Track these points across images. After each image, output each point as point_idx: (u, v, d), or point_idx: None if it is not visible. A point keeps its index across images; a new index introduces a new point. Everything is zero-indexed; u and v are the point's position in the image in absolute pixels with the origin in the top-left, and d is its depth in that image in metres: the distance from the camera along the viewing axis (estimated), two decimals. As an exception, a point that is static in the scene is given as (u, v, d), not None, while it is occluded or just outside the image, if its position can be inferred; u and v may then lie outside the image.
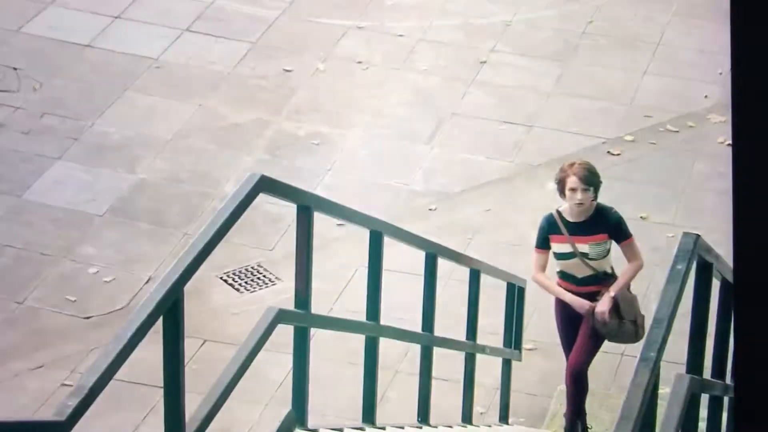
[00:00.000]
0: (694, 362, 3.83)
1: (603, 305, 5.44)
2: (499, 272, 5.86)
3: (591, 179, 5.42)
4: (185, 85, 8.16)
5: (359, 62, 8.48)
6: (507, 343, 6.03)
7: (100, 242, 6.91)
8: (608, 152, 7.85)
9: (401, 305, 6.58)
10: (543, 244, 5.52)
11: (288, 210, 7.08)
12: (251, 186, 3.74)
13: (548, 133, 8.03)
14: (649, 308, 6.65)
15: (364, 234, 5.10)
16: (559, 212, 5.52)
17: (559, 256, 5.52)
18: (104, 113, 7.85)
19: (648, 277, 6.93)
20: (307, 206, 4.14)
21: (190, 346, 6.05)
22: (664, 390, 3.90)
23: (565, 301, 5.53)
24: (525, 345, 6.34)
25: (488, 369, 6.26)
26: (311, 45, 8.58)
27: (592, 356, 5.59)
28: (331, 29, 8.74)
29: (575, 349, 5.55)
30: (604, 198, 7.58)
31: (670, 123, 8.12)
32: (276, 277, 6.81)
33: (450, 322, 6.40)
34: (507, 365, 6.00)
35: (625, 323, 5.49)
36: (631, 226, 7.43)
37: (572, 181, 5.40)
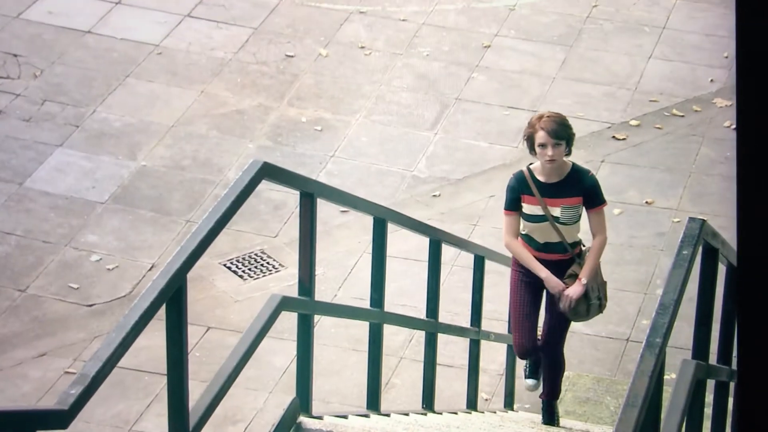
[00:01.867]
0: (700, 347, 3.81)
1: (573, 294, 4.99)
2: (504, 258, 5.82)
3: (562, 132, 4.90)
4: (187, 72, 8.12)
5: (362, 47, 8.44)
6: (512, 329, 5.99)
7: (102, 230, 6.88)
8: (613, 137, 7.82)
9: (405, 292, 6.56)
10: (513, 205, 5.02)
11: (291, 197, 7.05)
12: (254, 173, 3.71)
13: (552, 118, 7.98)
14: (654, 293, 6.63)
15: (368, 221, 5.07)
16: (530, 170, 5.02)
17: (528, 218, 5.03)
18: (105, 100, 7.81)
19: (653, 263, 6.90)
20: (310, 193, 4.11)
21: (193, 333, 6.05)
22: (669, 376, 3.87)
23: (532, 271, 5.06)
24: (530, 331, 6.31)
25: (493, 355, 6.24)
26: (313, 30, 8.54)
27: (565, 334, 5.22)
28: (333, 14, 8.69)
29: (549, 328, 5.15)
30: (611, 182, 7.58)
31: (675, 107, 8.08)
32: (279, 264, 6.79)
33: (454, 309, 6.38)
34: (512, 351, 5.97)
35: (591, 303, 5.09)
36: (637, 211, 7.45)
37: (541, 135, 4.89)
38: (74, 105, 7.75)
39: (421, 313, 5.68)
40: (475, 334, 5.72)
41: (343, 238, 6.99)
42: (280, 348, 6.08)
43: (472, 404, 5.72)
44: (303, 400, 4.13)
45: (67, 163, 7.32)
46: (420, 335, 6.05)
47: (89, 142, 7.48)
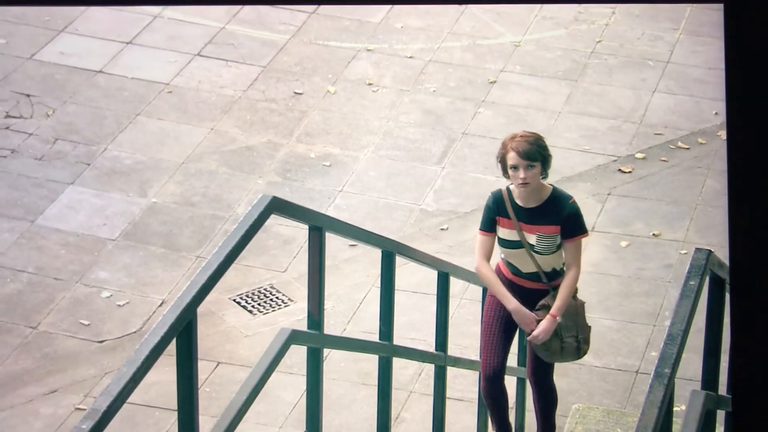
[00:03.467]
0: (709, 378, 3.82)
1: (541, 332, 4.61)
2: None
3: (534, 153, 4.54)
4: (196, 110, 8.19)
5: (369, 84, 8.51)
6: (521, 361, 6.01)
7: (112, 266, 6.92)
8: (619, 170, 7.85)
9: (414, 325, 6.57)
10: (488, 225, 4.65)
11: (300, 231, 7.09)
12: (263, 207, 3.75)
13: (559, 152, 8.03)
14: (663, 325, 6.64)
15: (376, 254, 5.10)
16: (509, 190, 4.68)
17: (503, 243, 4.67)
18: (116, 138, 7.89)
19: (662, 295, 6.91)
20: (318, 227, 4.15)
21: (203, 368, 6.08)
22: (680, 407, 3.88)
23: (506, 279, 4.70)
24: (539, 364, 6.31)
25: (502, 388, 6.23)
26: (321, 68, 8.62)
27: (553, 365, 4.89)
28: (340, 52, 8.78)
29: (534, 357, 4.78)
30: (618, 215, 7.61)
31: (680, 140, 8.12)
32: (289, 299, 6.82)
33: (463, 342, 6.39)
34: (521, 384, 5.97)
35: (565, 341, 4.73)
36: (644, 243, 7.47)
37: (512, 157, 4.54)
38: (85, 143, 7.83)
39: (430, 346, 5.69)
40: (480, 367, 5.72)
41: (352, 271, 7.02)
42: (289, 382, 6.09)
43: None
44: (313, 434, 4.14)
45: (79, 200, 7.38)
46: (429, 368, 6.06)
47: (100, 180, 7.54)
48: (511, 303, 4.65)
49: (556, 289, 4.71)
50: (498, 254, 4.83)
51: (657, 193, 7.64)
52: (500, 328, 4.77)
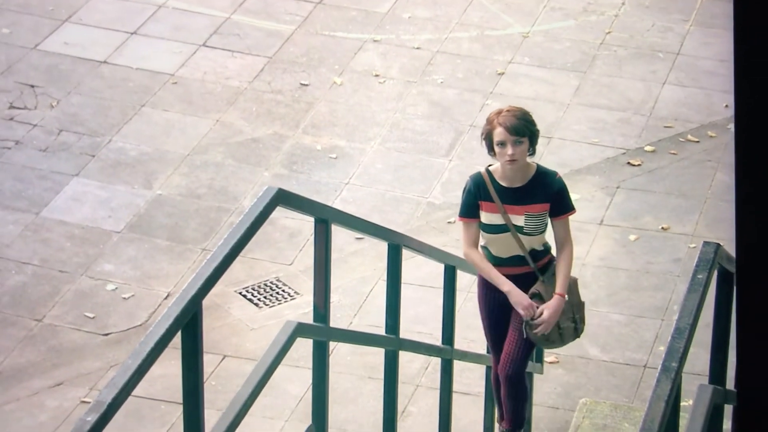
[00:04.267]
0: (717, 372, 3.79)
1: (551, 314, 4.39)
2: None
3: (523, 128, 4.35)
4: (202, 101, 8.16)
5: (376, 75, 8.47)
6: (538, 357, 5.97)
7: (117, 259, 6.90)
8: (628, 163, 7.81)
9: (421, 318, 6.54)
10: (470, 212, 4.47)
11: (306, 224, 7.06)
12: (268, 199, 3.72)
13: (567, 144, 7.99)
14: (671, 319, 6.60)
15: (383, 247, 5.06)
16: (489, 172, 4.48)
17: (487, 228, 4.46)
18: (121, 129, 7.86)
19: (670, 289, 6.87)
20: (324, 220, 4.12)
21: (209, 361, 6.05)
22: (687, 402, 3.84)
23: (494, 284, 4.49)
24: (547, 358, 6.29)
25: (509, 382, 6.20)
26: (327, 59, 8.58)
27: (528, 359, 4.70)
28: (347, 43, 8.74)
29: (507, 353, 4.57)
30: (626, 208, 7.57)
31: (690, 133, 8.07)
32: (295, 292, 6.79)
33: (470, 335, 6.35)
34: (529, 378, 5.94)
35: (563, 327, 4.55)
36: (653, 237, 7.42)
37: (499, 132, 4.34)
38: (90, 135, 7.80)
39: (436, 339, 5.66)
40: (491, 361, 5.70)
41: (358, 265, 6.99)
42: (295, 376, 6.07)
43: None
44: (319, 428, 4.12)
45: (83, 192, 7.35)
46: (436, 362, 6.03)
47: (105, 172, 7.52)
48: (506, 285, 4.47)
49: (542, 271, 4.53)
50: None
51: (666, 187, 7.60)
52: (494, 323, 4.65)
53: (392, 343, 4.80)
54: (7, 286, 6.68)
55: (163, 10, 8.89)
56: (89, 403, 5.47)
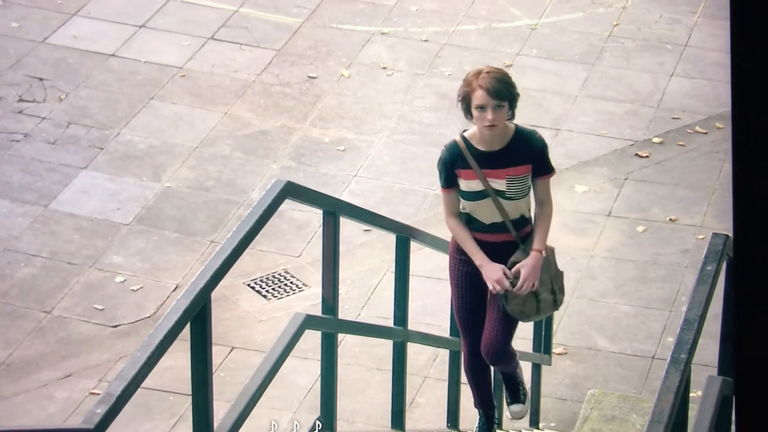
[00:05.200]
0: (726, 364, 3.79)
1: (529, 274, 4.16)
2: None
3: (504, 91, 4.10)
4: (210, 94, 8.17)
5: (384, 68, 8.47)
6: (536, 347, 5.99)
7: (126, 251, 6.91)
8: (636, 154, 7.80)
9: (429, 310, 6.55)
10: (449, 182, 4.23)
11: (314, 216, 7.07)
12: (277, 192, 3.73)
13: (575, 136, 7.99)
14: (679, 311, 6.60)
15: (391, 239, 5.07)
16: (464, 138, 4.23)
17: (466, 196, 4.22)
18: (129, 122, 7.87)
19: (678, 280, 6.87)
20: (333, 212, 4.12)
21: (217, 353, 6.07)
22: (696, 393, 3.84)
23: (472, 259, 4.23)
24: (555, 349, 6.30)
25: (517, 374, 6.21)
26: (335, 52, 8.58)
27: (512, 334, 4.37)
28: (355, 35, 8.73)
29: (490, 333, 4.30)
30: (635, 199, 7.57)
31: (698, 124, 8.05)
32: (303, 284, 6.80)
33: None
34: (537, 370, 5.95)
35: (541, 298, 4.30)
36: (661, 228, 7.42)
37: (479, 96, 4.10)
38: (99, 127, 7.81)
39: (444, 331, 5.67)
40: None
41: (366, 256, 6.99)
42: (304, 367, 6.08)
43: (497, 423, 5.69)
44: (327, 420, 4.13)
45: (92, 185, 7.37)
46: (444, 354, 6.04)
47: (114, 164, 7.53)
48: (478, 258, 4.22)
49: (524, 241, 4.28)
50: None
51: (674, 178, 7.59)
52: (475, 302, 4.34)
53: (400, 334, 4.81)
54: (16, 278, 6.70)
55: (171, 4, 8.90)
56: (98, 394, 5.50)
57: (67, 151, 7.61)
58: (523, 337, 6.25)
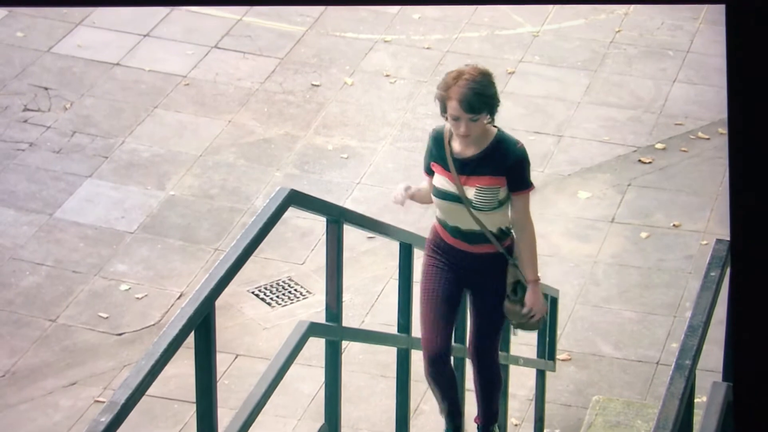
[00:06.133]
0: (731, 370, 3.79)
1: (537, 309, 3.97)
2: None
3: (479, 104, 3.78)
4: (214, 102, 8.19)
5: (387, 75, 8.48)
6: (541, 353, 5.99)
7: (131, 259, 6.93)
8: (639, 160, 7.81)
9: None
10: (428, 169, 4.03)
11: (318, 224, 7.08)
12: (281, 200, 3.74)
13: (578, 142, 7.99)
14: (683, 316, 6.60)
15: (394, 246, 5.08)
16: (450, 132, 3.93)
17: (438, 194, 3.93)
18: (134, 131, 7.89)
19: (682, 286, 6.87)
20: (336, 219, 4.13)
21: (222, 361, 6.08)
22: (701, 399, 3.84)
23: (446, 244, 3.92)
24: (559, 355, 6.30)
25: (522, 380, 6.21)
26: (338, 60, 8.59)
27: (500, 335, 4.15)
28: (358, 43, 8.75)
29: (477, 329, 4.08)
30: (638, 205, 7.57)
31: (701, 130, 8.06)
32: (307, 291, 6.81)
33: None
34: (541, 376, 5.95)
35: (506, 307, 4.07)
36: (664, 234, 7.42)
37: (453, 107, 3.80)
38: (103, 136, 7.83)
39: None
40: (503, 359, 5.71)
41: (370, 264, 7.00)
42: (308, 375, 6.09)
43: (502, 429, 5.69)
44: (332, 427, 4.13)
45: (97, 193, 7.38)
46: (448, 361, 6.03)
47: (118, 173, 7.55)
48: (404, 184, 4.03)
49: (510, 252, 4.01)
50: (433, 215, 4.14)
51: (677, 184, 7.59)
52: (442, 298, 4.01)
53: (404, 341, 4.81)
54: (21, 286, 6.71)
55: (175, 13, 8.92)
56: (103, 402, 5.50)
57: (71, 159, 7.62)
58: (527, 343, 6.25)
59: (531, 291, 4.03)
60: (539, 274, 4.13)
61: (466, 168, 3.92)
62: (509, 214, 3.99)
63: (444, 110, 3.92)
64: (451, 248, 4.07)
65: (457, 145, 3.94)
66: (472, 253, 4.01)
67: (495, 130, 3.97)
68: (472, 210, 3.91)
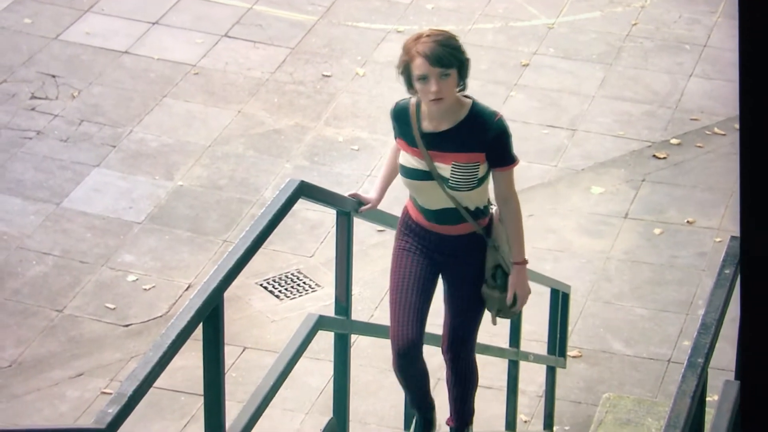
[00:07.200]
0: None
1: (522, 287, 3.65)
2: (543, 278, 5.75)
3: (448, 57, 3.44)
4: (223, 92, 8.13)
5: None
6: (551, 350, 5.93)
7: (138, 250, 6.88)
8: (654, 156, 7.74)
9: (440, 311, 6.50)
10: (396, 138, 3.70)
11: (328, 216, 7.02)
12: (291, 192, 3.69)
13: (592, 136, 7.93)
14: (696, 314, 6.53)
15: (406, 239, 5.02)
16: (418, 106, 3.59)
17: (407, 173, 3.60)
18: (142, 120, 7.84)
19: (695, 283, 6.80)
20: (346, 212, 4.08)
21: (230, 353, 6.03)
22: (712, 398, 3.79)
23: (418, 225, 3.61)
24: (569, 352, 6.24)
25: (532, 376, 6.16)
26: (350, 50, 8.53)
27: (477, 329, 3.82)
28: (369, 34, 8.69)
29: (451, 323, 3.80)
30: (652, 201, 7.50)
31: (717, 126, 7.98)
32: (316, 284, 6.76)
33: (492, 329, 6.31)
34: (551, 372, 5.90)
35: (487, 293, 3.82)
36: (678, 231, 7.35)
37: (419, 64, 3.46)
38: (111, 125, 7.79)
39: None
40: (514, 355, 5.65)
41: (380, 257, 6.95)
42: (316, 368, 6.04)
43: (511, 426, 5.64)
44: (340, 421, 4.09)
45: (104, 183, 7.34)
46: (458, 356, 5.98)
47: (126, 163, 7.50)
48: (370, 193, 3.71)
49: (488, 233, 3.68)
50: (405, 193, 3.80)
51: (692, 180, 7.52)
52: (412, 284, 3.73)
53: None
54: (28, 276, 6.67)
55: (184, 1, 8.87)
56: (110, 393, 5.47)
57: (79, 148, 7.58)
58: (537, 339, 6.20)
59: (516, 273, 3.68)
60: (525, 257, 3.78)
61: (437, 142, 3.55)
62: (490, 191, 3.68)
63: (410, 81, 3.58)
64: (422, 229, 3.72)
65: (428, 122, 3.58)
66: (447, 235, 3.66)
67: (470, 101, 3.61)
68: (447, 189, 3.55)
